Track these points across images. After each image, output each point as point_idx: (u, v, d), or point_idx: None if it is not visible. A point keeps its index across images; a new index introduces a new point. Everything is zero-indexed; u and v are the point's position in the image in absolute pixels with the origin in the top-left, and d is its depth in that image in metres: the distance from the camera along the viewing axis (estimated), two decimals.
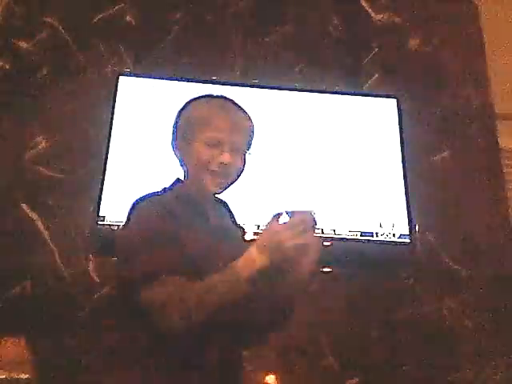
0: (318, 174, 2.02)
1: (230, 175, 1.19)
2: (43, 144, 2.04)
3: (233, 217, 1.31)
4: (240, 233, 1.30)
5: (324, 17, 2.44)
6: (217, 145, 1.16)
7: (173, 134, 1.25)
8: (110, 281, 1.84)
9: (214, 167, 1.16)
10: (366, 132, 2.12)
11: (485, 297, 2.03)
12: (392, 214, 1.98)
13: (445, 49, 2.43)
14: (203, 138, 1.16)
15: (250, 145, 1.23)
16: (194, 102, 1.25)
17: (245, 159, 1.21)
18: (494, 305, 2.03)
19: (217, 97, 1.25)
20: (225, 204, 1.30)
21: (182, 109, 1.25)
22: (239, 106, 1.24)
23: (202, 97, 1.26)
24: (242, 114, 1.22)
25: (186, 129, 1.21)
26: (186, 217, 1.13)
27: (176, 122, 1.25)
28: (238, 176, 1.21)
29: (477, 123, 2.32)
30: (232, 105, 1.23)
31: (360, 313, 1.95)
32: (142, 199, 1.15)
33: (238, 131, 1.19)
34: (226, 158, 1.16)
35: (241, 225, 1.33)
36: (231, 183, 1.21)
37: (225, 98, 1.24)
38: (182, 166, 1.23)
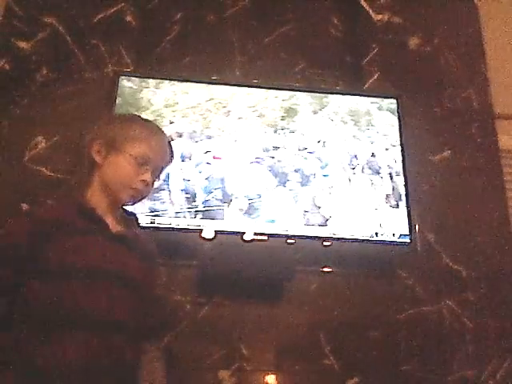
0: (318, 173, 2.01)
1: (143, 193, 1.25)
2: (43, 144, 2.04)
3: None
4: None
5: (324, 17, 2.45)
6: (143, 163, 1.22)
7: (102, 138, 1.25)
8: None
9: (135, 185, 1.21)
10: (366, 132, 2.12)
11: (485, 297, 2.03)
12: (392, 214, 1.98)
13: (445, 49, 2.43)
14: (133, 152, 1.21)
15: (161, 173, 1.31)
16: (133, 119, 1.32)
17: (152, 185, 1.27)
18: (494, 305, 2.03)
19: (151, 122, 1.34)
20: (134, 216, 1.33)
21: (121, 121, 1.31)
22: (168, 140, 1.32)
23: (139, 117, 1.35)
24: (169, 146, 1.30)
25: (119, 139, 1.23)
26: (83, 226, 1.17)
27: (111, 129, 1.27)
28: (143, 198, 1.26)
29: (477, 123, 2.32)
30: (164, 134, 1.31)
31: (360, 313, 1.95)
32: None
33: (163, 158, 1.27)
34: (147, 176, 1.22)
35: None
36: (138, 201, 1.27)
37: (158, 126, 1.33)
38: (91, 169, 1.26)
